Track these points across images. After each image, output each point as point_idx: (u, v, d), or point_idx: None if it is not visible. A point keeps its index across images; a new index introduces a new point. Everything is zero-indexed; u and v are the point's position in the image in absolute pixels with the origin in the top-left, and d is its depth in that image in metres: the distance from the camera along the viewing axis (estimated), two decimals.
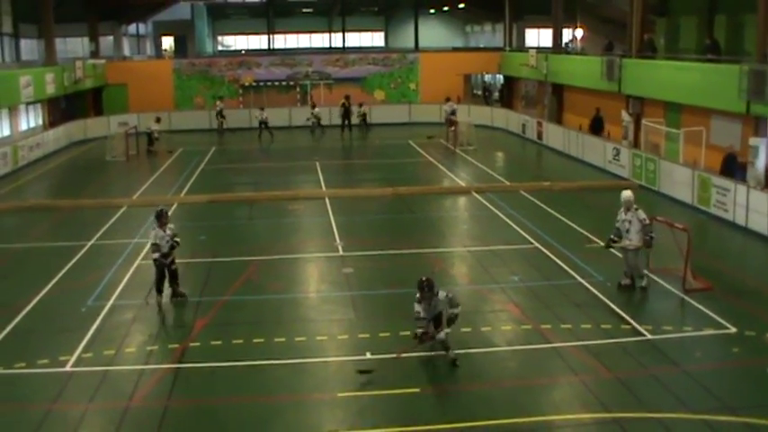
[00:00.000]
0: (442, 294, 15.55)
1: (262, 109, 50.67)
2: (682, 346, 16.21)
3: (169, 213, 20.35)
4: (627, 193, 19.60)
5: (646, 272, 19.86)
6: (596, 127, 41.36)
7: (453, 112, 46.79)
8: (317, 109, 51.97)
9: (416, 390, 14.37)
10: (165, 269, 19.28)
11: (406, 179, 34.44)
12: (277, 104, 55.56)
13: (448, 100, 48.79)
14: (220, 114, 52.55)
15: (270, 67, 58.00)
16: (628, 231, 19.30)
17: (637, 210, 19.30)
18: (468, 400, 14.13)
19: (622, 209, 19.49)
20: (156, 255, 19.12)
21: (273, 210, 29.50)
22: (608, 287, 19.51)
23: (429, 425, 13.05)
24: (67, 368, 15.67)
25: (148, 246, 19.84)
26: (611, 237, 19.60)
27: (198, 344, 16.63)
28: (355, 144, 46.16)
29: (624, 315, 17.73)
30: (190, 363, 15.83)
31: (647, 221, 19.28)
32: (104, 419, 13.74)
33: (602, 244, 21.39)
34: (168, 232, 19.34)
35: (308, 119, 52.06)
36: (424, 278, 15.69)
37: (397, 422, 13.19)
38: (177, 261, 19.64)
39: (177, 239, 19.49)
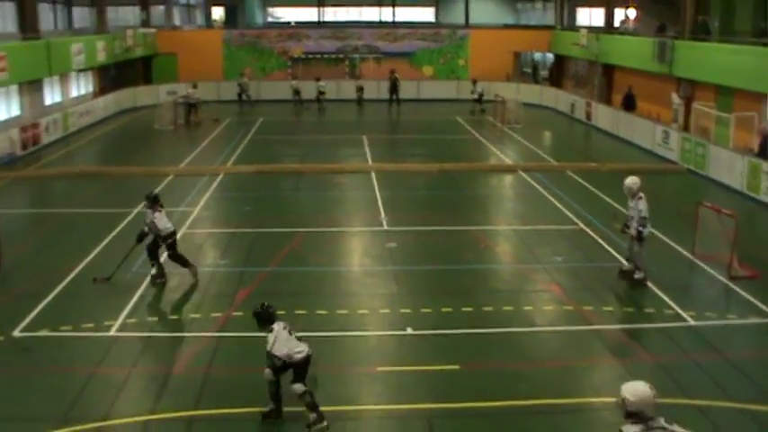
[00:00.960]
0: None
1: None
2: (725, 334, 16.06)
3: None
4: (628, 180, 18.64)
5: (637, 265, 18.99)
6: (628, 104, 41.08)
7: (480, 95, 47.00)
8: (322, 82, 51.32)
9: (456, 367, 14.39)
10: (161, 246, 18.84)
11: (452, 155, 34.35)
12: (325, 77, 55.53)
13: (475, 82, 48.41)
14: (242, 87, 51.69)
15: (319, 40, 57.95)
16: (632, 219, 18.54)
17: (640, 198, 18.39)
18: (508, 379, 14.11)
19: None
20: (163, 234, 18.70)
21: (319, 182, 29.58)
22: (652, 271, 19.33)
23: (468, 402, 13.05)
24: (112, 333, 15.88)
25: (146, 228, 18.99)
26: (625, 222, 19.06)
27: (240, 313, 16.74)
28: (403, 119, 46.06)
29: (667, 300, 17.57)
30: (231, 332, 15.96)
31: (644, 214, 18.31)
32: (146, 384, 13.92)
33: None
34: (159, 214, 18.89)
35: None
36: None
37: (436, 398, 13.22)
38: (222, 230, 19.75)
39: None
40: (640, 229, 18.36)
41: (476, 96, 47.87)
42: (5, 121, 37.11)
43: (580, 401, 13.33)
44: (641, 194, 18.40)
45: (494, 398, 13.21)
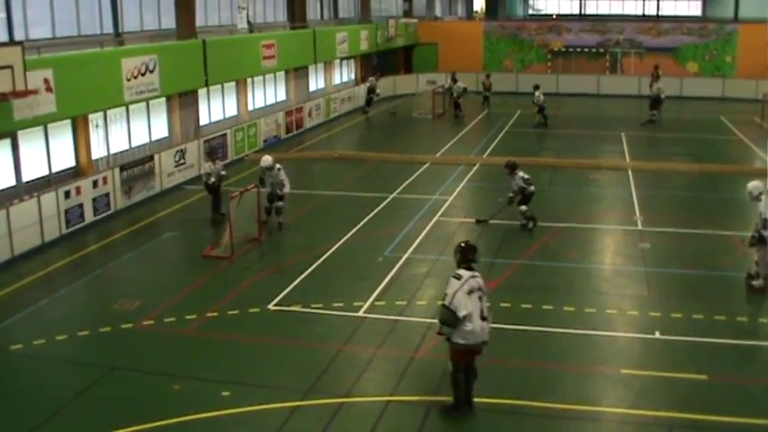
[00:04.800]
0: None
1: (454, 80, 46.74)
2: None
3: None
4: (750, 184, 17.83)
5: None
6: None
7: (542, 104, 40.52)
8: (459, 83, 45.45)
9: (704, 377, 13.79)
10: (215, 192, 23.38)
11: (714, 156, 33.00)
12: (585, 71, 54.78)
13: (537, 88, 40.97)
14: (372, 91, 46.07)
15: (580, 33, 57.09)
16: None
17: (759, 200, 17.33)
18: (759, 395, 13.30)
19: None
20: (211, 181, 23.28)
21: (575, 177, 29.18)
22: None
23: (713, 415, 12.48)
24: (360, 313, 16.36)
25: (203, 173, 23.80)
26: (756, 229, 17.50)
27: (487, 305, 16.76)
28: (664, 117, 44.65)
29: None
30: None
31: (764, 215, 17.03)
32: (390, 366, 14.22)
33: None
34: (219, 165, 23.66)
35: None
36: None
37: (680, 408, 12.70)
38: (472, 220, 19.85)
39: (224, 173, 23.97)
40: (755, 234, 17.34)
41: (537, 106, 40.78)
42: (272, 106, 38.88)
43: None
44: (762, 196, 17.25)
45: (741, 414, 12.53)
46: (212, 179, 23.25)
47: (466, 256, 12.32)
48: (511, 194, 22.35)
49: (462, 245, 12.54)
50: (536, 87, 40.66)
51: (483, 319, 12.08)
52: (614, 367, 14.29)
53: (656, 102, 41.98)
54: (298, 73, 41.68)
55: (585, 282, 18.68)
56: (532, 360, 14.45)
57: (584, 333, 15.62)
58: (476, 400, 12.62)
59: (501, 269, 19.05)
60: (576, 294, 17.64)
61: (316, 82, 45.52)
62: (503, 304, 16.74)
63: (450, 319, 11.88)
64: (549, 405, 12.79)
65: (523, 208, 22.08)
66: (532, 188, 22.18)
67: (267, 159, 22.27)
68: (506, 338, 15.34)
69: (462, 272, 12.10)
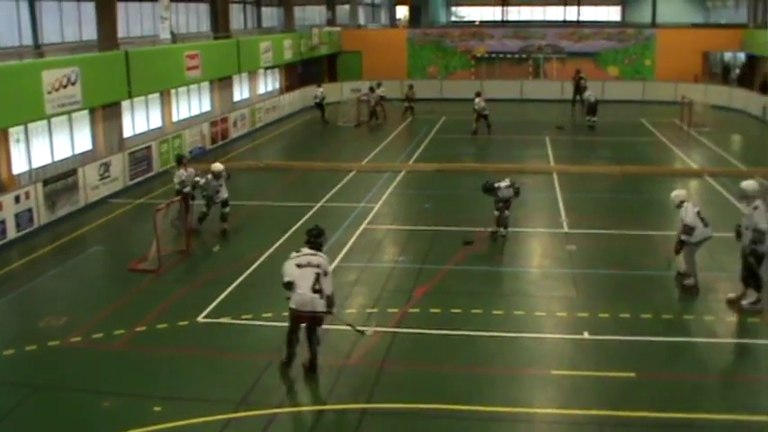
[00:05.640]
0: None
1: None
2: None
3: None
4: (672, 194, 18.60)
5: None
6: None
7: (483, 110, 39.97)
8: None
9: (632, 374, 14.03)
10: (188, 202, 22.56)
11: (635, 158, 33.58)
12: (508, 77, 55.36)
13: (478, 95, 40.65)
14: (320, 103, 45.57)
15: (503, 39, 57.73)
16: (746, 227, 16.90)
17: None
18: (687, 391, 13.65)
19: None
20: (187, 189, 22.60)
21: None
22: None
23: (643, 412, 12.71)
24: None
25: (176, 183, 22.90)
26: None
27: (417, 310, 16.88)
28: (585, 120, 45.35)
29: None
30: (407, 328, 16.09)
31: (684, 221, 17.78)
32: (321, 376, 14.16)
33: None
34: (192, 171, 23.09)
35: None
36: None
37: (610, 406, 12.91)
38: (401, 227, 19.94)
39: (198, 179, 22.92)
40: (682, 237, 17.96)
41: (476, 113, 40.23)
42: (197, 117, 38.62)
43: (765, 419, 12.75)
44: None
45: (670, 409, 12.80)
46: (187, 187, 22.79)
47: (307, 237, 14.17)
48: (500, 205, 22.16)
49: (309, 228, 14.45)
50: (477, 94, 40.72)
51: (315, 291, 13.54)
52: (544, 368, 14.43)
53: (592, 107, 42.55)
54: (222, 83, 41.48)
55: (514, 285, 18.87)
56: (463, 364, 14.53)
57: (513, 336, 15.76)
58: (409, 405, 12.70)
59: (430, 275, 19.13)
60: (505, 297, 17.80)
61: (240, 92, 45.33)
62: (432, 310, 16.85)
63: (283, 283, 13.76)
64: (481, 408, 12.88)
65: (507, 213, 22.22)
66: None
67: (219, 166, 22.70)
68: (436, 344, 15.44)
69: (303, 249, 13.97)
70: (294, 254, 13.94)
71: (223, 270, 19.59)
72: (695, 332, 16.05)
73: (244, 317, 16.60)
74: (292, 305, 13.71)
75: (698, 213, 17.94)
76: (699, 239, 17.94)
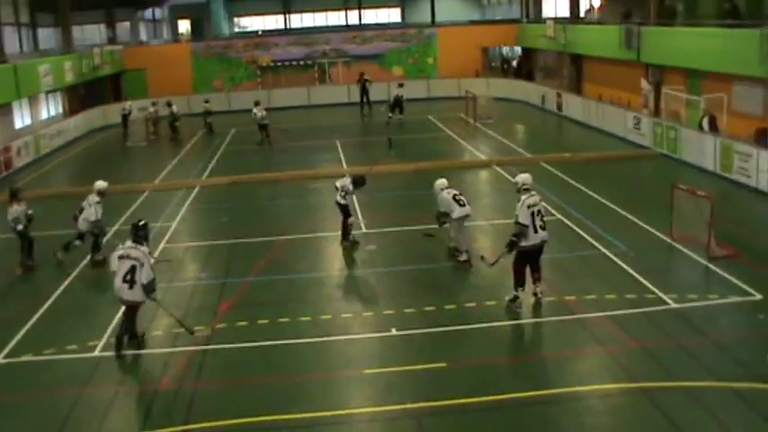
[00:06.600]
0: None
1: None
2: (707, 315, 16.15)
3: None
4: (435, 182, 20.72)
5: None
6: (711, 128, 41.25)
7: (263, 119, 40.05)
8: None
9: (443, 364, 14.41)
10: (27, 239, 21.52)
11: (427, 154, 34.37)
12: (295, 84, 55.60)
13: (257, 104, 40.69)
14: (126, 116, 46.00)
15: (287, 47, 58.00)
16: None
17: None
18: (496, 374, 14.17)
19: None
20: (19, 227, 21.18)
21: (295, 189, 29.56)
22: (631, 257, 19.45)
23: (457, 399, 13.07)
24: (96, 353, 15.80)
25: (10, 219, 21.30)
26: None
27: (224, 325, 16.74)
28: (375, 121, 46.06)
29: (648, 284, 17.67)
30: (216, 344, 15.93)
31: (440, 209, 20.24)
32: (134, 403, 13.91)
33: (623, 213, 21.74)
34: (23, 207, 21.43)
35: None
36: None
37: (425, 397, 13.22)
38: (200, 243, 19.75)
39: (31, 212, 21.67)
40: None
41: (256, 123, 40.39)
42: None
43: (566, 390, 13.35)
44: (444, 192, 20.15)
45: (481, 393, 13.24)
46: (20, 225, 21.24)
47: (132, 231, 15.90)
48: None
49: (133, 222, 16.34)
50: (255, 104, 40.62)
51: (125, 281, 15.22)
52: (357, 369, 14.61)
53: (397, 104, 43.71)
54: (1, 110, 39.76)
55: (318, 290, 18.94)
56: (276, 374, 14.51)
57: (323, 340, 15.87)
58: (227, 422, 12.67)
59: (233, 288, 19.01)
60: (311, 303, 17.88)
61: (22, 118, 43.59)
62: (239, 323, 16.75)
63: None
64: (299, 416, 12.91)
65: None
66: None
67: (103, 183, 21.88)
68: (247, 357, 15.38)
69: (127, 242, 15.69)
70: (120, 246, 15.71)
71: (20, 306, 18.76)
72: (498, 317, 16.58)
73: (46, 352, 15.98)
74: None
75: (453, 197, 19.85)
76: (458, 216, 19.71)
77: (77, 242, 21.56)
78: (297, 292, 18.80)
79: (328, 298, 18.35)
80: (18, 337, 16.82)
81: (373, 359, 15.05)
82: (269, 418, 12.88)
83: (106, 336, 16.46)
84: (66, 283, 20.17)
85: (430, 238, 20.99)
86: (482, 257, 18.33)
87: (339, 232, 22.27)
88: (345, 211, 21.74)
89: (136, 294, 15.31)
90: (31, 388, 14.68)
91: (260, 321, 16.83)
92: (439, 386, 13.67)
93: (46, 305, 18.66)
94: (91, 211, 21.29)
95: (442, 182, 20.56)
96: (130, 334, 15.73)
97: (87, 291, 19.72)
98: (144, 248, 15.56)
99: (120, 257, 15.33)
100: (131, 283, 15.19)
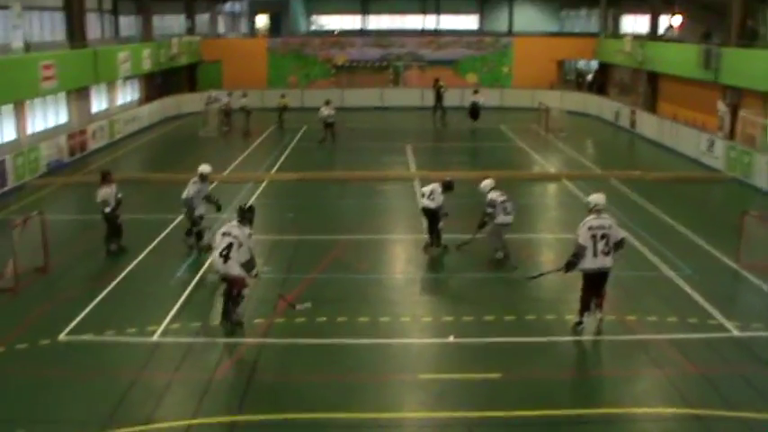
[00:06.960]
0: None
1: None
2: None
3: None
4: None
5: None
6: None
7: (328, 118, 39.99)
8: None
9: (498, 375, 14.36)
10: (113, 223, 21.51)
11: (496, 164, 34.25)
12: (369, 85, 55.74)
13: (327, 103, 40.73)
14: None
15: (363, 48, 58.17)
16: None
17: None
18: (549, 389, 14.05)
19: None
20: (107, 209, 21.21)
21: (363, 190, 29.65)
22: (696, 281, 19.18)
23: (509, 411, 13.01)
24: (155, 338, 16.02)
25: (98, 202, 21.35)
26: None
27: (282, 320, 16.84)
28: (448, 127, 46.00)
29: (711, 310, 17.40)
30: (274, 338, 16.06)
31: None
32: (188, 390, 14.03)
33: (690, 235, 21.51)
34: (113, 189, 21.47)
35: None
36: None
37: (477, 407, 13.19)
38: (265, 237, 19.91)
39: (120, 195, 21.65)
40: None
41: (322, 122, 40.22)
42: (54, 129, 37.61)
43: (620, 411, 13.22)
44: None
45: (534, 407, 13.16)
46: (108, 207, 21.32)
47: (238, 212, 16.42)
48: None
49: (240, 205, 16.98)
50: (326, 102, 40.70)
51: (221, 256, 15.72)
52: (412, 373, 14.61)
53: (474, 111, 44.16)
54: (79, 94, 40.46)
55: (378, 292, 18.99)
56: (330, 373, 14.56)
57: (380, 342, 15.89)
58: (279, 416, 12.73)
59: (294, 284, 19.11)
60: (370, 304, 17.91)
61: (99, 103, 44.35)
62: (298, 319, 16.82)
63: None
64: (350, 415, 12.95)
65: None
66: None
67: (206, 168, 21.94)
68: (303, 353, 15.45)
69: (233, 221, 16.26)
70: (227, 224, 16.34)
71: (84, 287, 19.11)
72: (557, 332, 16.47)
73: (107, 333, 16.25)
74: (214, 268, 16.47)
75: (502, 202, 20.34)
76: (500, 223, 20.42)
77: (195, 228, 21.70)
78: (357, 292, 18.84)
79: (388, 300, 18.36)
80: (81, 316, 17.11)
81: (429, 365, 15.06)
82: (321, 415, 12.94)
83: (165, 323, 16.68)
84: (131, 266, 20.44)
85: (465, 246, 21.41)
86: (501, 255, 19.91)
87: (401, 235, 22.26)
88: (435, 216, 21.62)
89: (229, 268, 15.74)
90: (90, 366, 14.94)
91: (318, 319, 16.89)
92: (492, 397, 13.63)
93: (109, 288, 18.95)
94: (186, 189, 21.53)
95: (489, 182, 21.16)
96: (227, 314, 16.34)
97: (150, 277, 19.95)
98: (246, 230, 16.00)
99: (223, 234, 15.92)
100: (226, 258, 15.68)
